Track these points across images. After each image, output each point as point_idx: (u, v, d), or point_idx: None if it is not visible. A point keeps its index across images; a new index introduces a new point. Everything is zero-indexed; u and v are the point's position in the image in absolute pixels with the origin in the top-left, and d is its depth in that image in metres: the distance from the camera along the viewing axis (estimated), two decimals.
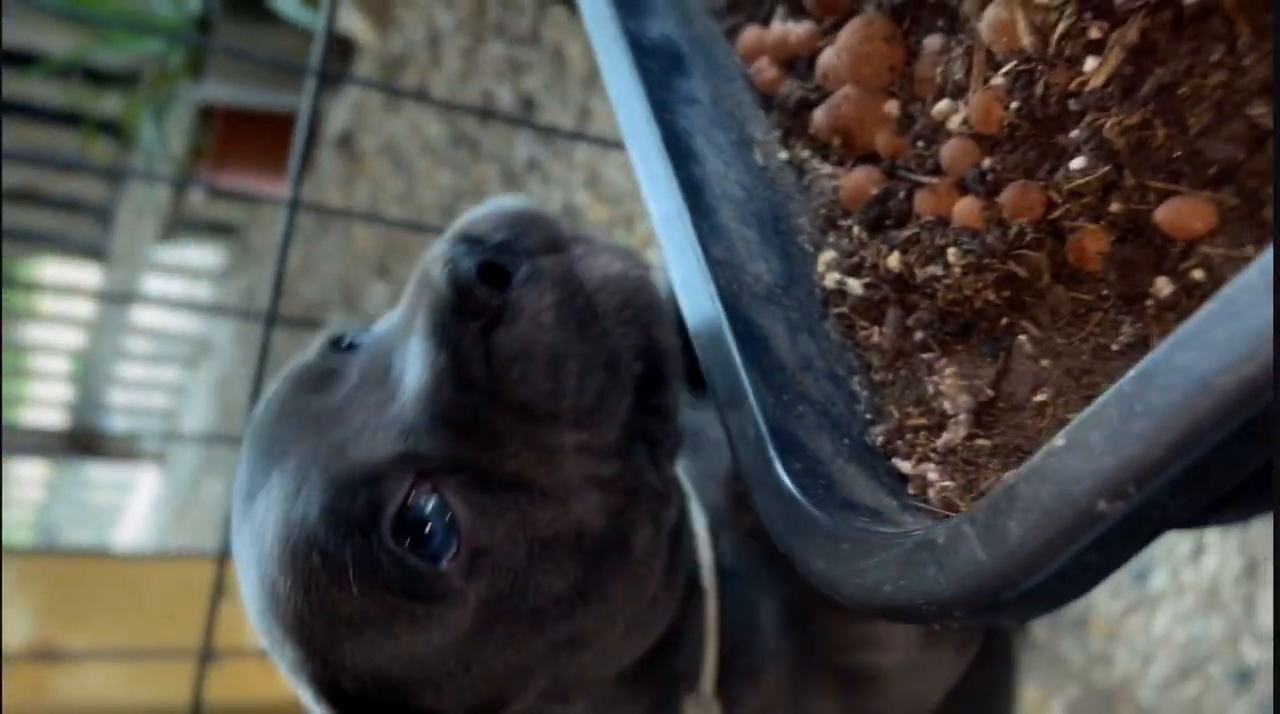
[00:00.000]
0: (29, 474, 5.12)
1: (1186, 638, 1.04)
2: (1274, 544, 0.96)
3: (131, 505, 5.33)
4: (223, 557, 1.04)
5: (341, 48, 2.96)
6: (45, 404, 4.64)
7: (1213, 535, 0.99)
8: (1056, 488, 0.31)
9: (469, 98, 2.51)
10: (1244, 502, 0.47)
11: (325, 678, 0.52)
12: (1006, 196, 0.44)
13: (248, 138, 3.29)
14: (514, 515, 0.50)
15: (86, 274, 4.17)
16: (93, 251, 3.99)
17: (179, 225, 3.94)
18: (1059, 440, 0.32)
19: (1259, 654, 0.98)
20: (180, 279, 4.41)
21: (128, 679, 1.37)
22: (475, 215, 0.52)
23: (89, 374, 4.32)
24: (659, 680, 0.60)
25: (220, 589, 1.03)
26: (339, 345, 0.57)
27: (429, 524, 0.49)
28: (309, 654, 0.51)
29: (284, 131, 3.31)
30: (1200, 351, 0.29)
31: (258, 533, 0.51)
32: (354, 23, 2.75)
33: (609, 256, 0.52)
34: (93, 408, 4.51)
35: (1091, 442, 0.31)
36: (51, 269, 4.48)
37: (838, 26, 0.55)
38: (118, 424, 4.73)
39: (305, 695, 0.54)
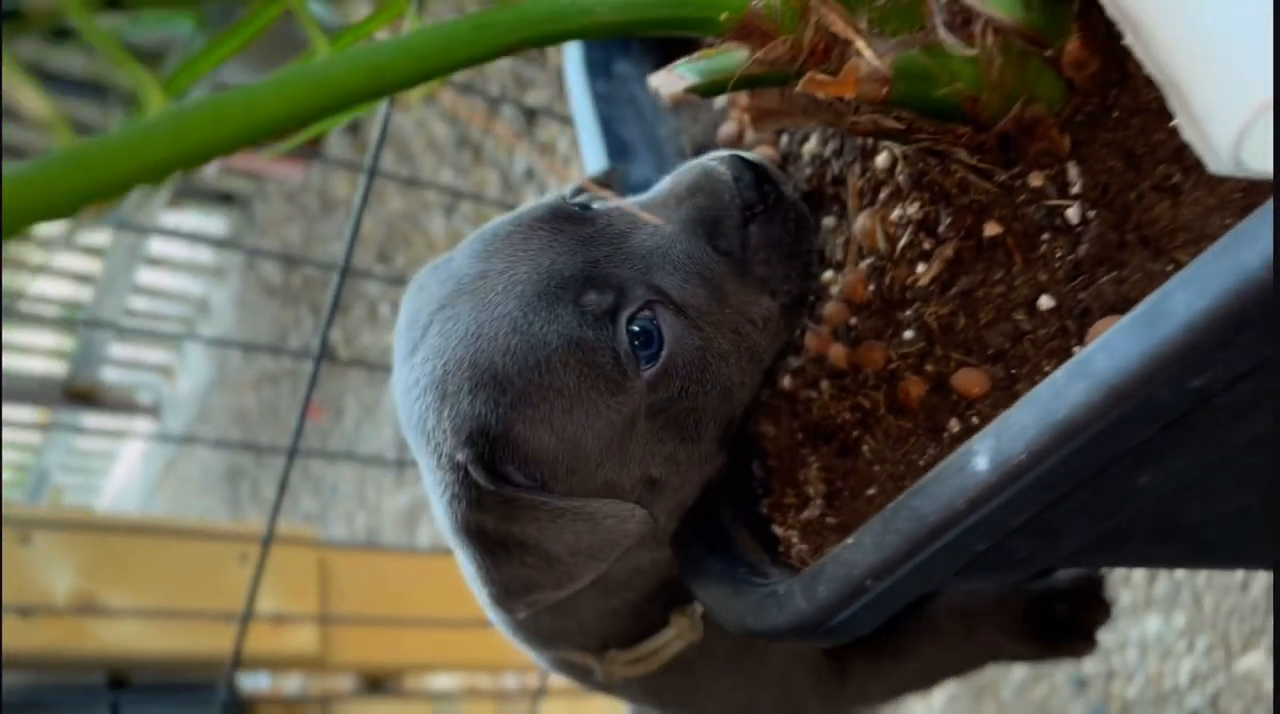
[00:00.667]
0: (23, 420, 5.28)
1: None
2: (1274, 554, 1.14)
3: (123, 456, 5.50)
4: (269, 539, 1.21)
5: None
6: (45, 353, 4.79)
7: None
8: (844, 570, 0.51)
9: (474, 104, 2.68)
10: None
11: (488, 437, 0.60)
12: (860, 350, 0.64)
13: None
14: (704, 351, 0.62)
15: (96, 233, 4.32)
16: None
17: (188, 192, 4.10)
18: (850, 539, 0.52)
19: (1095, 666, 1.20)
20: (183, 243, 4.56)
21: (157, 632, 1.55)
22: (736, 152, 0.65)
23: (90, 327, 4.47)
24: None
25: (262, 563, 1.20)
26: (561, 199, 0.66)
27: (641, 338, 0.60)
28: (487, 415, 0.60)
29: None
30: (925, 499, 0.48)
31: (489, 303, 0.60)
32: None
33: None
34: (92, 360, 4.66)
35: (865, 542, 0.51)
36: (54, 226, 4.62)
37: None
38: (114, 377, 4.88)
39: (448, 461, 0.61)
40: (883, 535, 0.50)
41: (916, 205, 0.63)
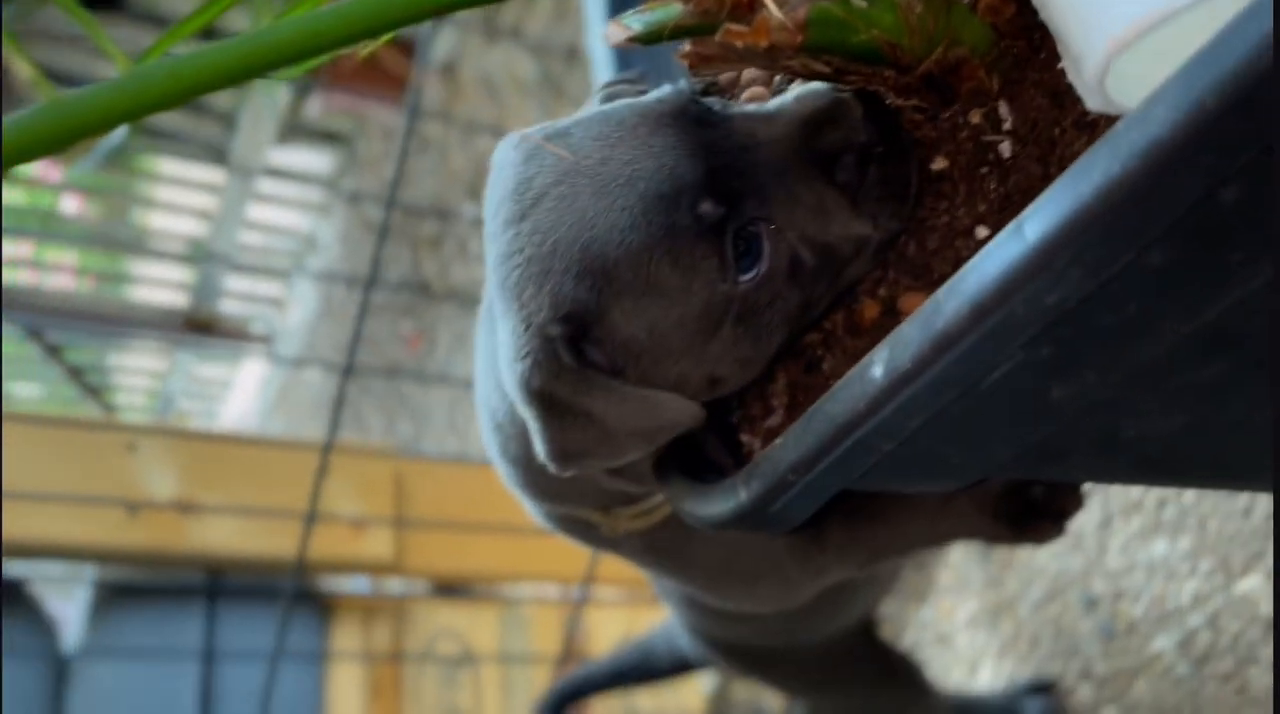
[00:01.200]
0: (151, 347, 5.61)
1: (1056, 570, 1.29)
2: (1274, 543, 1.18)
3: (239, 384, 5.82)
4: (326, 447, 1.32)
5: None
6: (167, 285, 5.08)
7: (1084, 489, 1.23)
8: (772, 466, 0.58)
9: (559, 41, 2.74)
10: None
11: (579, 318, 0.64)
12: None
13: (356, 60, 3.57)
14: (795, 270, 0.64)
15: (209, 171, 4.54)
16: (217, 150, 4.35)
17: (295, 130, 4.28)
18: (778, 440, 0.58)
19: (1104, 587, 1.24)
20: (293, 181, 4.76)
21: (248, 534, 1.71)
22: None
23: (207, 261, 4.72)
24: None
25: (324, 468, 1.32)
26: (683, 97, 0.66)
27: (744, 250, 0.63)
28: (585, 298, 0.64)
29: (387, 55, 3.58)
30: (835, 403, 0.55)
31: (607, 189, 0.63)
32: None
33: None
34: (210, 293, 4.92)
35: (789, 442, 0.57)
36: (174, 165, 4.86)
37: None
38: (231, 309, 5.15)
39: (535, 334, 0.64)
40: (803, 435, 0.57)
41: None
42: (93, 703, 1.73)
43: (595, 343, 0.65)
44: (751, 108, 0.67)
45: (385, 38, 0.43)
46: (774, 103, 0.67)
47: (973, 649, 1.40)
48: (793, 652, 1.10)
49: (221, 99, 4.02)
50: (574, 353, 0.64)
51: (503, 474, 0.82)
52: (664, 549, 0.85)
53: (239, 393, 5.86)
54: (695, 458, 0.71)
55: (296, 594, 1.56)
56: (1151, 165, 0.41)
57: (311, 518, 1.30)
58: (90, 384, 5.33)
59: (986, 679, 1.37)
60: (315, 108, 3.78)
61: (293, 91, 3.79)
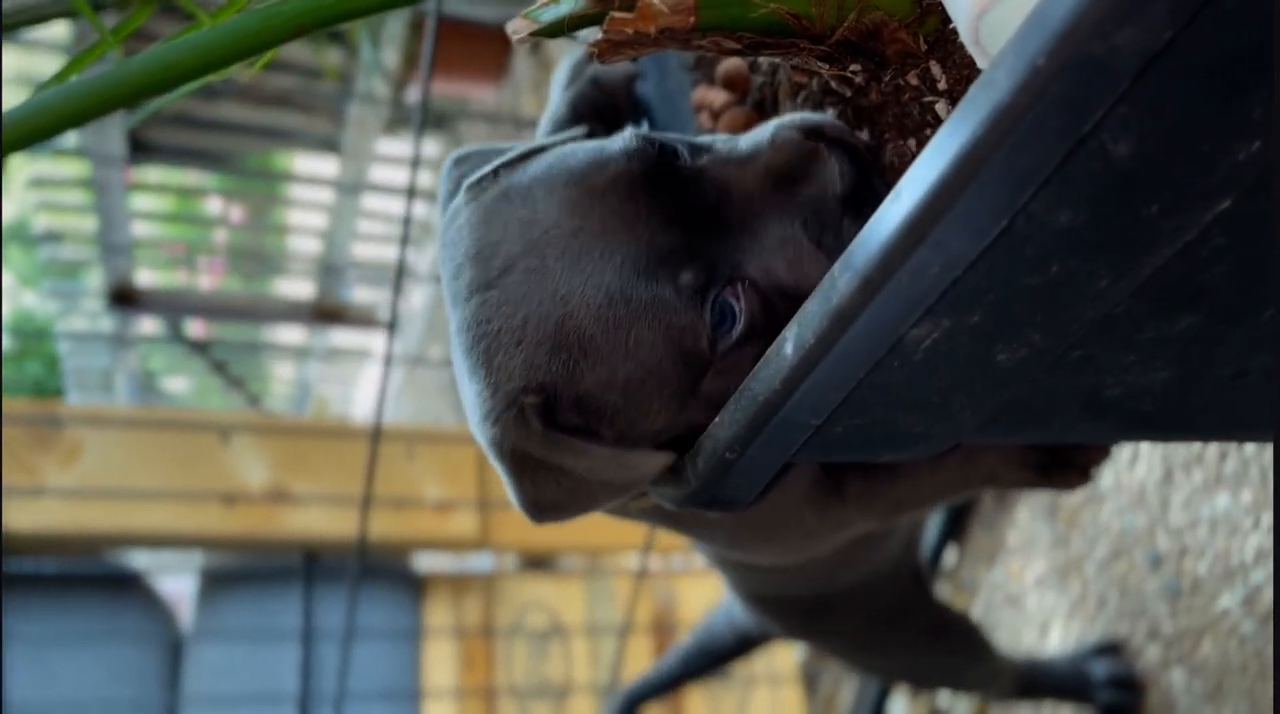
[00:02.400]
0: (288, 338, 5.89)
1: (1120, 529, 1.24)
2: (1274, 537, 1.13)
3: (370, 368, 6.05)
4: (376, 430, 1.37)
5: None
6: (298, 279, 5.31)
7: (1145, 446, 1.17)
8: (711, 445, 0.59)
9: None
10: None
11: (552, 389, 0.63)
12: None
13: (453, 46, 3.65)
14: (768, 332, 0.61)
15: (325, 165, 4.71)
16: (329, 145, 4.51)
17: (400, 121, 4.39)
18: (716, 418, 0.59)
19: (1168, 544, 1.18)
20: (404, 168, 4.90)
21: (340, 518, 1.80)
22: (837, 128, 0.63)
23: (331, 253, 4.91)
24: None
25: (374, 458, 1.37)
26: (651, 150, 0.64)
27: (723, 316, 0.62)
28: (554, 365, 0.63)
29: (483, 39, 3.65)
30: (757, 381, 0.55)
31: (584, 265, 0.61)
32: None
33: None
34: (335, 282, 5.12)
35: (724, 420, 0.58)
36: (299, 161, 5.07)
37: (742, 100, 0.79)
38: (356, 296, 5.34)
39: (504, 401, 0.64)
40: (734, 414, 0.57)
41: (831, 111, 0.67)
42: (203, 682, 1.85)
43: (568, 407, 0.64)
44: (723, 147, 0.66)
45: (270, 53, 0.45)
46: (748, 142, 0.65)
47: (1042, 610, 1.36)
48: (838, 610, 1.10)
49: (328, 94, 4.16)
50: (547, 421, 0.64)
51: None
52: (683, 515, 0.86)
53: (371, 376, 6.09)
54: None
55: (389, 574, 1.63)
56: (999, 130, 0.40)
57: (367, 502, 1.36)
58: (234, 376, 5.62)
59: (1056, 641, 1.33)
60: (415, 95, 3.87)
61: (392, 84, 3.89)
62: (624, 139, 0.65)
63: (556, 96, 0.88)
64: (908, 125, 0.62)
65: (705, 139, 0.68)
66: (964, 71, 0.58)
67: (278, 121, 4.46)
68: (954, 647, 1.19)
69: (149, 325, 5.23)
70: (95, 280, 4.56)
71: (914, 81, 0.60)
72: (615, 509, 0.88)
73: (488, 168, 0.69)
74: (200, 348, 5.50)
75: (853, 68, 0.61)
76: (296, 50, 3.84)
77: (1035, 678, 1.28)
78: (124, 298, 4.48)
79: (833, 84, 0.61)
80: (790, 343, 0.52)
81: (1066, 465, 0.86)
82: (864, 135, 0.63)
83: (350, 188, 4.51)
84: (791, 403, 0.53)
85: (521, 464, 0.66)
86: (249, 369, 5.95)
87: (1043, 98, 0.39)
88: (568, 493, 0.67)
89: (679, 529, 0.92)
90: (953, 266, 0.45)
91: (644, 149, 0.64)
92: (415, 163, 1.79)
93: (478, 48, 3.72)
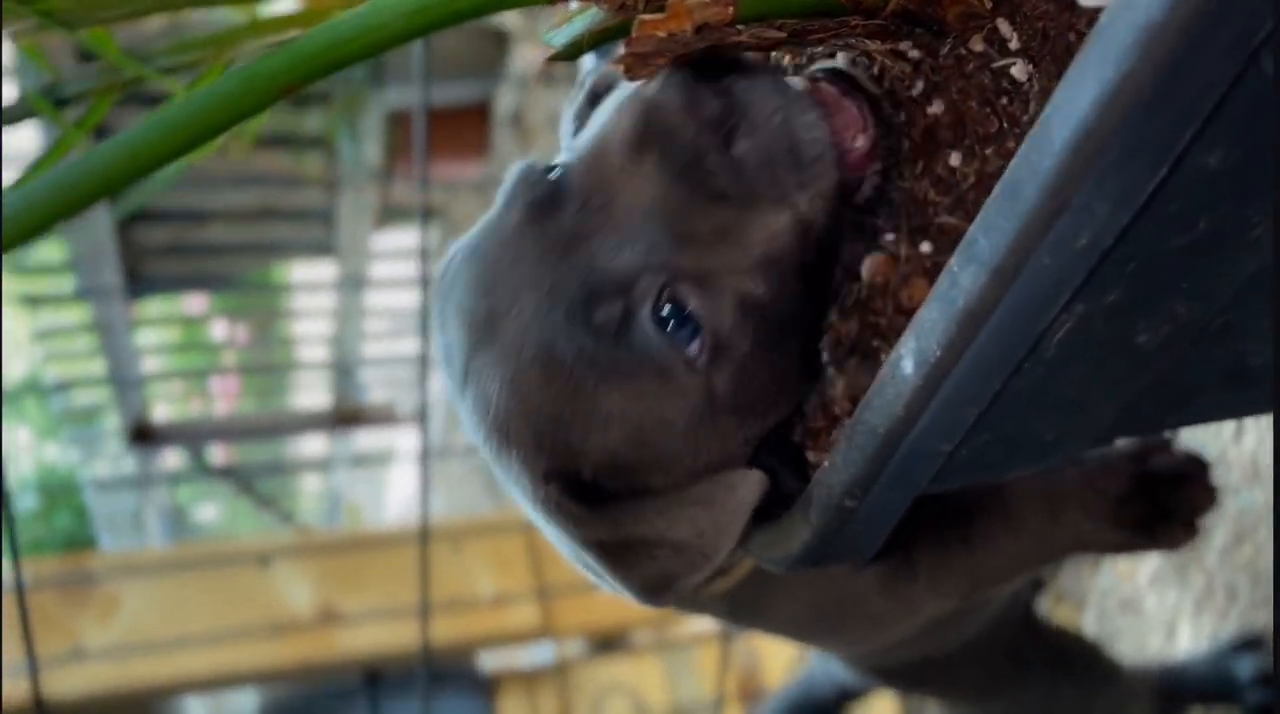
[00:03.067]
0: (311, 448, 5.83)
1: (1237, 509, 1.14)
2: (1274, 538, 1.03)
3: (397, 465, 5.97)
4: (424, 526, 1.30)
5: (498, 38, 3.21)
6: (312, 388, 5.26)
7: (1249, 419, 1.08)
8: (825, 492, 0.51)
9: None
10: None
11: (566, 470, 0.59)
12: (867, 264, 0.61)
13: (435, 131, 3.63)
14: (743, 305, 0.55)
15: (323, 269, 4.68)
16: (323, 249, 4.48)
17: (390, 215, 4.37)
18: (827, 461, 0.51)
19: None
20: (400, 260, 4.87)
21: (396, 629, 1.71)
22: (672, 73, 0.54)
23: (341, 356, 4.87)
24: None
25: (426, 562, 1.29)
26: (535, 176, 0.59)
27: (674, 325, 0.55)
28: (555, 451, 0.58)
29: (461, 121, 3.63)
30: (872, 411, 0.47)
31: (511, 351, 0.57)
32: (504, 15, 2.99)
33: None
34: (349, 384, 5.07)
35: (837, 462, 0.50)
36: (296, 270, 5.05)
37: None
38: (373, 396, 5.29)
39: (534, 498, 0.60)
40: (848, 453, 0.49)
41: (883, 103, 0.60)
42: None
43: (599, 476, 0.59)
44: (583, 141, 0.58)
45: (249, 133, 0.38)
46: (596, 125, 0.58)
47: (1164, 610, 1.26)
48: (949, 662, 1.01)
49: (315, 198, 4.14)
50: (580, 500, 0.59)
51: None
52: (746, 606, 0.78)
53: (399, 475, 6.01)
54: (771, 495, 0.63)
55: (455, 678, 1.55)
56: (1153, 59, 0.33)
57: (425, 609, 1.28)
58: (263, 495, 5.56)
59: (1186, 641, 1.23)
60: (401, 187, 3.85)
61: (378, 179, 3.87)
62: (504, 187, 0.60)
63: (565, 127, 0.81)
64: (979, 97, 0.55)
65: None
66: (1038, 24, 0.51)
67: (269, 235, 4.44)
68: (1080, 672, 1.10)
69: (171, 459, 5.18)
70: (113, 422, 4.51)
71: (978, 47, 0.53)
72: (685, 602, 0.80)
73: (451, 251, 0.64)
74: (225, 473, 5.45)
75: (903, 44, 0.54)
76: (277, 159, 3.83)
77: (1174, 688, 1.17)
78: (143, 435, 4.44)
79: (887, 63, 0.54)
80: (909, 359, 0.44)
81: (1167, 518, 0.74)
82: (933, 110, 0.56)
83: (351, 286, 4.48)
84: (919, 430, 0.45)
85: (605, 552, 0.60)
86: (276, 486, 5.89)
87: (1207, 9, 0.31)
88: (670, 560, 0.60)
89: (742, 623, 0.84)
90: (1103, 235, 0.38)
91: (515, 195, 0.59)
92: (423, 253, 1.74)
93: (457, 129, 3.69)
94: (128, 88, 0.43)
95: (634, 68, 0.49)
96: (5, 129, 0.44)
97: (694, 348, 0.55)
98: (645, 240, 0.55)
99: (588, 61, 0.79)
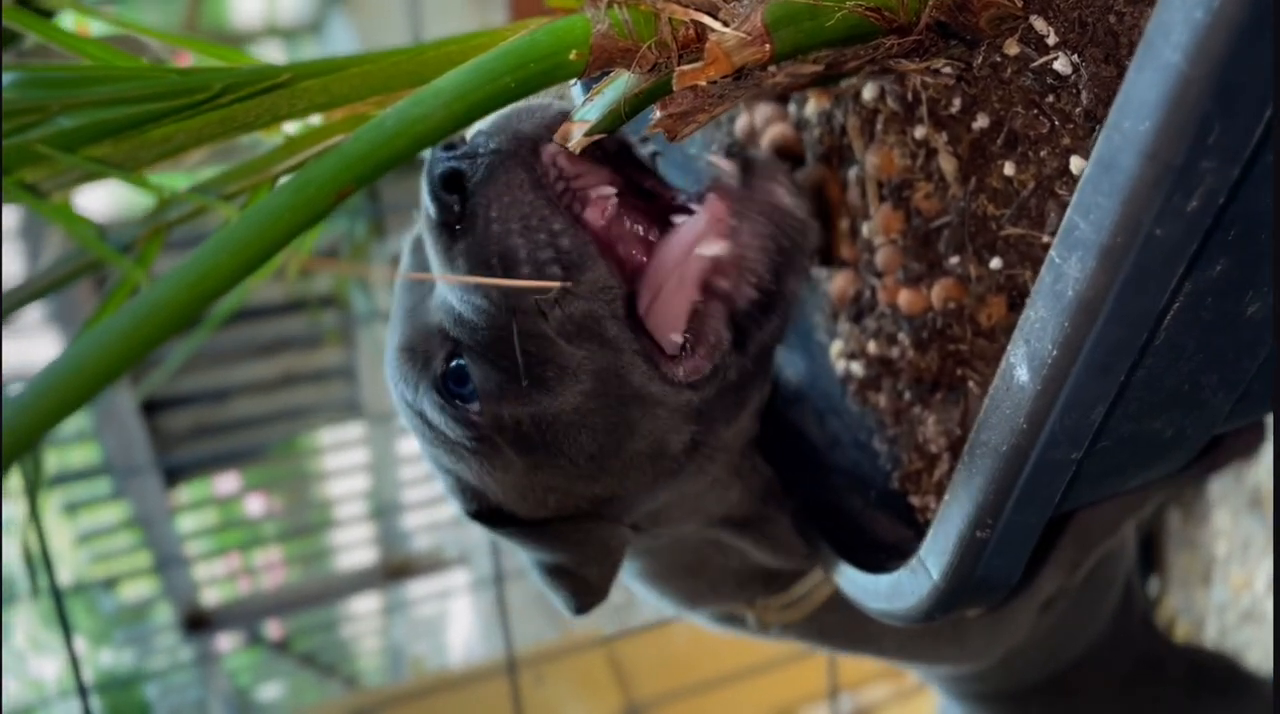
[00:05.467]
0: (365, 607, 5.74)
1: None
2: (1274, 529, 0.99)
3: (454, 609, 5.87)
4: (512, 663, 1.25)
5: None
6: (357, 546, 5.21)
7: None
8: (952, 529, 0.47)
9: None
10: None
11: (479, 501, 0.63)
12: (936, 292, 0.59)
13: None
14: (518, 394, 0.56)
15: (352, 428, 4.69)
16: (351, 406, 4.50)
17: None
18: (947, 495, 0.48)
19: None
20: None
21: None
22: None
23: (382, 509, 4.84)
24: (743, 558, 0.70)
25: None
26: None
27: (459, 383, 0.58)
28: (473, 506, 0.64)
29: None
30: (989, 430, 0.44)
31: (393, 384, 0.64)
32: None
33: None
34: (395, 536, 5.03)
35: (959, 494, 0.47)
36: (326, 433, 5.06)
37: (800, 163, 0.71)
38: (419, 543, 5.24)
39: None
40: (970, 480, 0.46)
41: (919, 126, 0.59)
42: None
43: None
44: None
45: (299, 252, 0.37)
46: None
47: None
48: (1077, 686, 0.95)
49: (335, 357, 4.17)
50: (494, 528, 0.64)
51: (641, 593, 0.76)
52: (839, 632, 0.75)
53: (458, 618, 5.91)
54: (868, 544, 0.60)
55: None
56: None
57: None
58: (324, 664, 5.46)
59: None
60: None
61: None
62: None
63: None
64: (1023, 100, 0.53)
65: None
66: (1073, 14, 0.49)
67: (293, 401, 4.46)
68: (1217, 690, 1.04)
69: (226, 642, 5.11)
70: (165, 614, 4.47)
71: (1013, 50, 0.52)
72: (764, 632, 0.76)
73: None
74: (283, 647, 5.37)
75: (940, 66, 0.53)
76: (292, 324, 3.87)
77: None
78: (197, 623, 4.39)
79: (924, 82, 0.53)
80: (1022, 366, 0.42)
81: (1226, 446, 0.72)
82: (979, 124, 0.54)
83: (382, 437, 4.48)
84: (1044, 439, 0.43)
85: (543, 571, 0.66)
86: (336, 653, 5.79)
87: None
88: (569, 585, 0.65)
89: (835, 648, 0.80)
90: (1215, 194, 0.36)
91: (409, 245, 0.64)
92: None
93: None
94: (177, 225, 0.42)
95: (673, 128, 0.47)
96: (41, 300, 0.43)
97: (475, 411, 0.58)
98: (442, 303, 0.59)
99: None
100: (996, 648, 0.83)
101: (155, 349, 0.32)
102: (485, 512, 0.64)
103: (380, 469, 4.74)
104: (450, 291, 0.57)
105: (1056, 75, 0.51)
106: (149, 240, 0.41)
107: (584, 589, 0.64)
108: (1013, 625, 0.80)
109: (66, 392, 0.30)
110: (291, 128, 0.43)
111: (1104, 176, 0.36)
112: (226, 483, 5.14)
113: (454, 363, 0.57)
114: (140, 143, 0.37)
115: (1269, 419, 0.75)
